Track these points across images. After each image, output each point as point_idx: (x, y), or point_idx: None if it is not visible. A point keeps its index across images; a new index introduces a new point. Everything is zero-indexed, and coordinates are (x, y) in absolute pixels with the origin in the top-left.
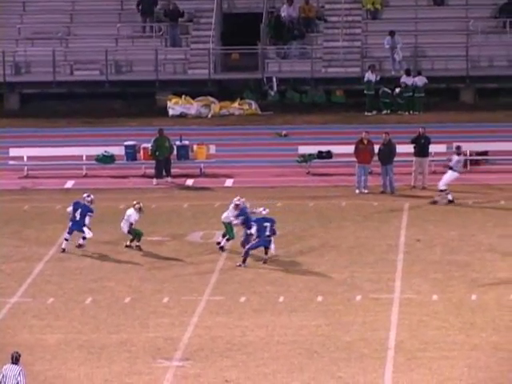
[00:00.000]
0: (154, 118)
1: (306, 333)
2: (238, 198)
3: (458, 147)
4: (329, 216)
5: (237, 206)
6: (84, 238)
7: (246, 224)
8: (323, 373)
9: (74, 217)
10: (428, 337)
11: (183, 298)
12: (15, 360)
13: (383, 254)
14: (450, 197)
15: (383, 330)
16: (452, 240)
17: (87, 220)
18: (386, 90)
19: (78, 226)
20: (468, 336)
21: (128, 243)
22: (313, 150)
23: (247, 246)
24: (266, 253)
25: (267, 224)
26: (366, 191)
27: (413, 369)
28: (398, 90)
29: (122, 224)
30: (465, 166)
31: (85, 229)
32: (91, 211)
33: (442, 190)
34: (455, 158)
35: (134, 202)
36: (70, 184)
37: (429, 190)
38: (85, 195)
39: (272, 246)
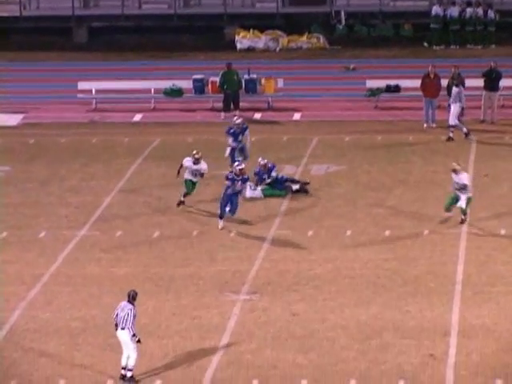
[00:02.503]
0: (222, 52)
1: (374, 267)
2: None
3: (458, 77)
4: (397, 150)
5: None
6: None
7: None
8: (390, 307)
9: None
10: (495, 271)
11: (250, 231)
12: (131, 298)
13: (451, 188)
14: (464, 129)
15: (451, 265)
16: None
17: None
18: (454, 13)
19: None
20: None
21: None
22: (381, 83)
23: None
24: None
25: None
26: (434, 125)
27: (480, 303)
28: (468, 11)
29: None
30: None
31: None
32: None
33: (453, 126)
34: (454, 90)
35: (194, 152)
36: (138, 117)
37: (497, 124)
38: (235, 118)
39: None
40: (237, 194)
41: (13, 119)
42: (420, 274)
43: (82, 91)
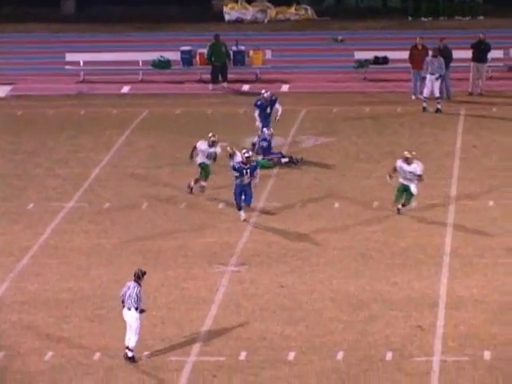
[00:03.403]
0: (210, 23)
1: (362, 238)
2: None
3: (434, 49)
4: (385, 122)
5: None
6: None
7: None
8: (378, 278)
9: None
10: (483, 243)
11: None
12: (136, 277)
13: (439, 160)
14: (424, 104)
15: (439, 236)
16: (508, 146)
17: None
18: None
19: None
20: None
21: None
22: (369, 55)
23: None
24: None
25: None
26: (422, 97)
27: (468, 275)
28: None
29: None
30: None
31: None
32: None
33: (440, 97)
34: (432, 60)
35: (210, 135)
36: (126, 89)
37: (486, 95)
38: (263, 91)
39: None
40: (249, 183)
41: (0, 91)
42: (408, 245)
43: (70, 63)
